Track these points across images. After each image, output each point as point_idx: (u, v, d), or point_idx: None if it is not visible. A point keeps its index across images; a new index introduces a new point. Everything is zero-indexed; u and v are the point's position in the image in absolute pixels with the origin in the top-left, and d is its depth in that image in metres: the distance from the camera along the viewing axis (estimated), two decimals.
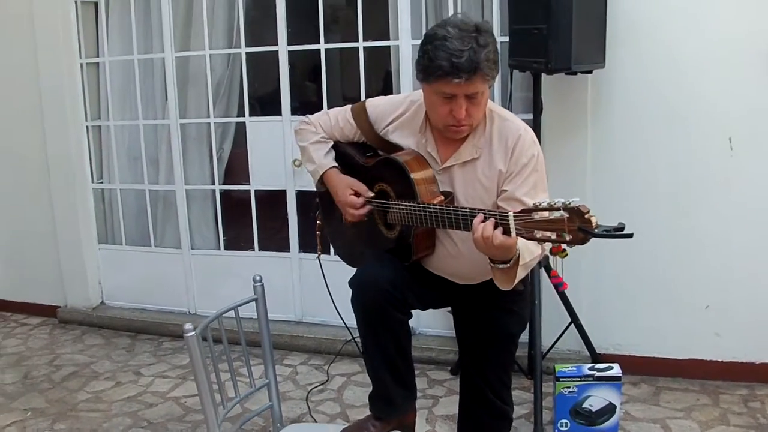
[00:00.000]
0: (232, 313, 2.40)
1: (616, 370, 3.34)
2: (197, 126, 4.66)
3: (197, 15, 4.46)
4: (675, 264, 3.75)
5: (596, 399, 3.31)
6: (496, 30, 3.79)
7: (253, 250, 4.59)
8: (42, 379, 4.08)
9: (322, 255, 2.88)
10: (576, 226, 1.80)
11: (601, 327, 3.85)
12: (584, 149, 3.72)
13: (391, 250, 2.41)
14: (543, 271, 3.61)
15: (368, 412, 2.57)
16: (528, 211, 1.90)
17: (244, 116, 4.48)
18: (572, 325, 3.69)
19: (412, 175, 2.28)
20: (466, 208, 2.15)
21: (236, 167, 4.73)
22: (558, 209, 1.81)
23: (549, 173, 3.69)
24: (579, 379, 3.30)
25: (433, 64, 2.12)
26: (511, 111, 3.54)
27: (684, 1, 3.52)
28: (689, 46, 3.54)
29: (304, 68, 5.24)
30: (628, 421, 3.43)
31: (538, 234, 1.87)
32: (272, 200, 4.61)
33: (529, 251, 2.11)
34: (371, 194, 2.45)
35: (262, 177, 4.47)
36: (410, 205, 2.26)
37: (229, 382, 2.44)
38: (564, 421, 3.34)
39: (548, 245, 1.91)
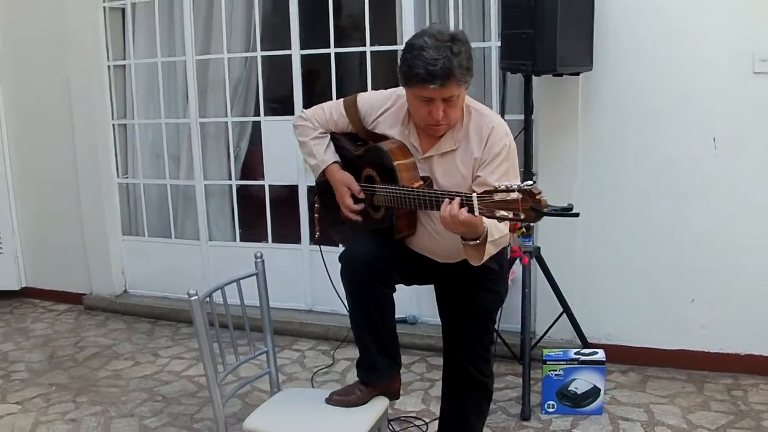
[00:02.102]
0: (237, 301, 2.69)
1: (600, 354, 3.50)
2: (216, 125, 4.89)
3: (217, 21, 4.70)
4: (663, 258, 3.87)
5: (581, 382, 3.47)
6: (494, 35, 3.99)
7: (267, 242, 4.79)
8: (66, 359, 4.34)
9: (324, 247, 3.09)
10: (529, 206, 2.00)
11: (593, 317, 3.98)
12: (575, 148, 3.86)
13: (378, 230, 2.62)
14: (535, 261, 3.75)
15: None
16: (489, 192, 2.08)
17: (259, 116, 4.71)
18: (564, 314, 3.81)
19: (395, 162, 2.49)
20: (437, 190, 2.35)
21: (252, 164, 4.94)
22: (513, 190, 2.02)
23: (540, 171, 3.89)
24: (565, 362, 3.47)
25: (411, 71, 2.32)
26: (505, 111, 3.70)
27: (670, 5, 3.65)
28: (675, 49, 3.67)
29: (317, 71, 5.45)
30: (613, 405, 3.57)
31: (498, 213, 2.06)
32: (285, 195, 4.83)
33: (497, 229, 2.30)
34: (363, 197, 2.66)
35: (275, 173, 4.69)
36: (393, 189, 2.48)
37: (231, 356, 2.69)
38: (551, 402, 3.51)
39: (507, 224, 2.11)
